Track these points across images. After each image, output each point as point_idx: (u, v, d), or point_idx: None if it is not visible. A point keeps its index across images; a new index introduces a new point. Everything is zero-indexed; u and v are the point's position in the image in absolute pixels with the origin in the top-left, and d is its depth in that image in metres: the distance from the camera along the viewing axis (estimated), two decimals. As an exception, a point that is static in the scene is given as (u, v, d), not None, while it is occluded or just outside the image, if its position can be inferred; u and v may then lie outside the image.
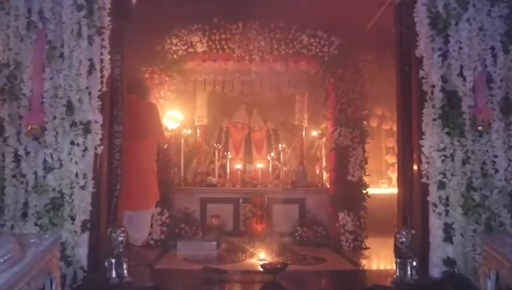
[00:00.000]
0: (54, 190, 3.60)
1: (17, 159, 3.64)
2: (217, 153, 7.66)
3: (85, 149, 3.73)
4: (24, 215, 3.57)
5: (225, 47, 6.82)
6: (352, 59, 6.81)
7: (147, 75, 6.62)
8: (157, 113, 5.65)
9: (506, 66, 3.76)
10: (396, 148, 5.00)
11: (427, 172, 3.91)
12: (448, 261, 3.76)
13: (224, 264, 5.14)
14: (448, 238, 3.77)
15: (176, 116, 6.68)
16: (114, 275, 3.82)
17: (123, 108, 4.51)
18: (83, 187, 3.69)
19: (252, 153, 8.32)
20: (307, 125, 8.23)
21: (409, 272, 3.87)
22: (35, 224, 3.55)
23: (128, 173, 4.57)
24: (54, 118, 3.65)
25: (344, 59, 6.78)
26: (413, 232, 3.94)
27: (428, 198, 3.89)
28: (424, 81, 3.95)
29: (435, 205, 3.83)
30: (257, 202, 6.61)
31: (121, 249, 3.83)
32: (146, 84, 5.82)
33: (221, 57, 7.07)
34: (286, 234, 6.83)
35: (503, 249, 3.18)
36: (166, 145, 6.03)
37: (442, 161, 3.80)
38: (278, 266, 4.48)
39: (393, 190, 5.62)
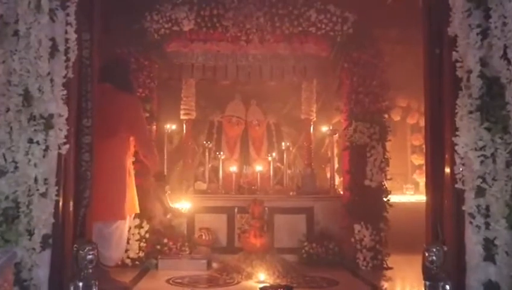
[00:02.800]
0: (7, 198, 3.53)
1: (-38, 160, 3.57)
2: (207, 153, 7.65)
3: (46, 148, 3.67)
4: (-30, 229, 3.51)
5: (217, 25, 6.81)
6: (371, 39, 6.82)
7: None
8: (139, 111, 5.53)
9: (561, 45, 3.71)
10: (424, 146, 4.97)
11: (463, 176, 3.85)
12: (490, 285, 3.71)
13: (216, 288, 5.14)
14: (489, 256, 3.71)
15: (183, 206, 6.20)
16: (82, 302, 3.77)
17: (94, 99, 4.46)
18: (43, 195, 3.63)
19: (249, 153, 8.33)
20: (315, 119, 8.24)
21: (440, 298, 3.84)
22: (-16, 240, 3.48)
23: (98, 175, 4.51)
24: (8, 110, 3.57)
25: (361, 39, 6.78)
26: (445, 249, 3.93)
27: (464, 207, 3.83)
28: (458, 65, 3.89)
29: (472, 215, 3.77)
30: (256, 212, 6.59)
31: (90, 270, 3.80)
32: (128, 71, 5.71)
33: (212, 37, 7.08)
34: (291, 250, 6.85)
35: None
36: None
37: (481, 163, 3.74)
38: (281, 289, 4.44)
39: (421, 198, 5.60)
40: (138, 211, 5.57)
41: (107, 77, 5.18)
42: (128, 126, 5.31)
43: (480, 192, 3.74)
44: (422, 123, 6.68)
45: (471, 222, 3.77)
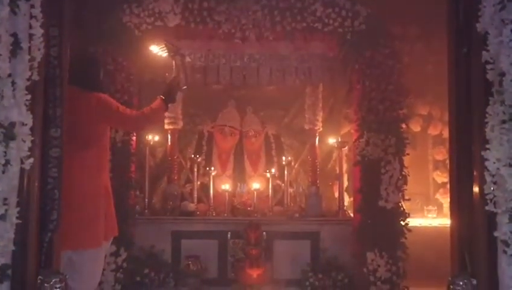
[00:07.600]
0: (-41, 221, 3.51)
1: None
2: (195, 169, 7.65)
3: (6, 163, 3.63)
4: None
5: (207, 20, 6.81)
6: (386, 36, 6.86)
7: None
8: (105, 107, 5.40)
9: None
10: (448, 162, 4.96)
11: (494, 196, 3.83)
12: (528, 326, 3.69)
13: (206, 327, 5.10)
14: (527, 292, 3.70)
15: None
16: None
17: (63, 105, 4.43)
18: (2, 217, 3.59)
19: (244, 169, 8.33)
20: (321, 129, 8.22)
21: (469, 340, 3.81)
22: None
23: (68, 195, 4.48)
24: (-39, 117, 3.56)
25: (374, 36, 6.80)
26: (474, 282, 3.91)
27: (496, 233, 3.81)
28: (489, 67, 3.88)
29: (506, 243, 3.74)
30: (252, 238, 6.59)
31: (58, 307, 3.76)
32: (95, 67, 5.64)
33: (202, 34, 7.07)
34: (293, 282, 6.87)
35: None
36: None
37: (516, 181, 3.72)
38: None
39: (445, 221, 5.59)
40: (117, 234, 5.53)
41: (71, 78, 5.09)
42: (103, 129, 5.26)
43: (515, 215, 3.72)
44: (446, 134, 6.66)
45: (505, 251, 3.74)
